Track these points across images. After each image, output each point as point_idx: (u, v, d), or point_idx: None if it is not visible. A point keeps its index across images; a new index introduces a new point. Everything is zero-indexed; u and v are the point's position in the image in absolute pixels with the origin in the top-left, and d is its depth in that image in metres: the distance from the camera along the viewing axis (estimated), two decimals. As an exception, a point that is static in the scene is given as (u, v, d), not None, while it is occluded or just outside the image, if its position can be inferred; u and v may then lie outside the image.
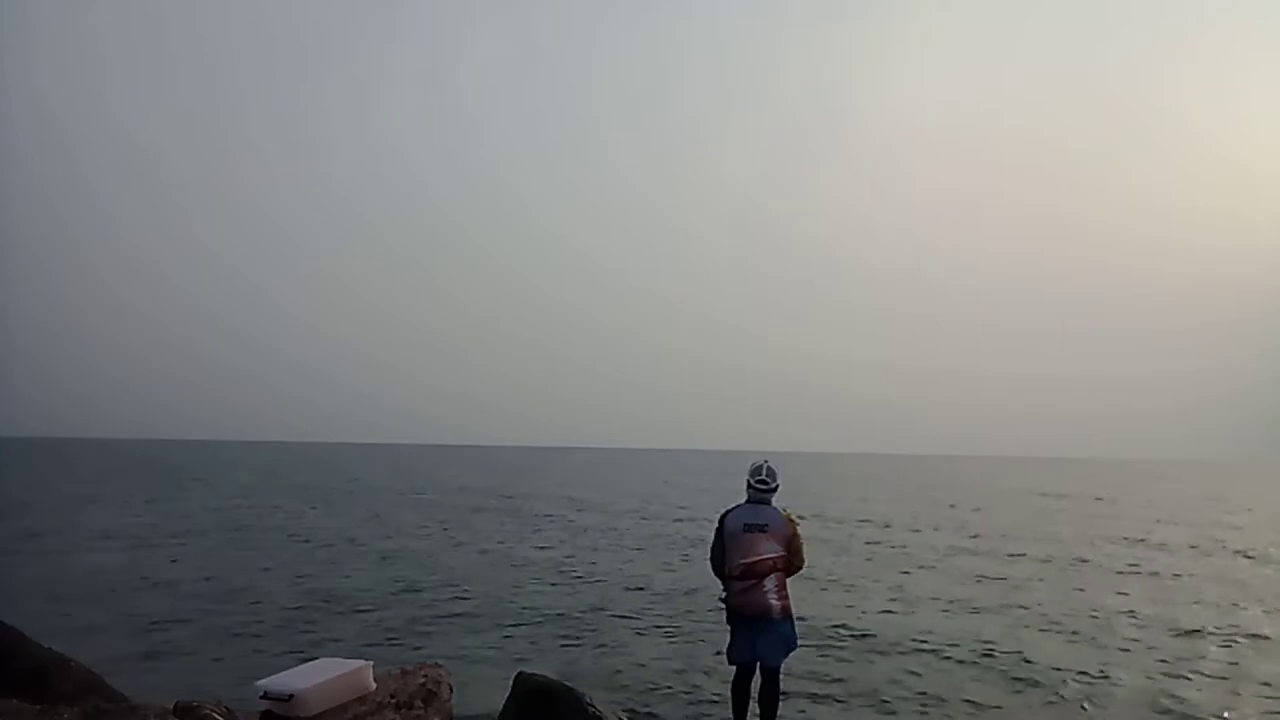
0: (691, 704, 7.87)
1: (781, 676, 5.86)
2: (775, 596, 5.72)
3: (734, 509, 6.01)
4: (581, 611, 12.09)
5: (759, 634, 5.76)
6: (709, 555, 6.17)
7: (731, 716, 6.05)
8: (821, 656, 9.45)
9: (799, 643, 6.04)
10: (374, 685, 5.28)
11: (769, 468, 6.05)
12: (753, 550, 5.77)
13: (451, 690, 5.80)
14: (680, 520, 27.48)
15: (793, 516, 6.00)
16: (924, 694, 8.21)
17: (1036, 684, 8.59)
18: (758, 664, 5.85)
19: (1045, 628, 11.37)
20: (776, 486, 6.04)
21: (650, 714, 7.54)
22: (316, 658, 5.70)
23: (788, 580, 5.85)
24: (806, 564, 6.10)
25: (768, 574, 5.72)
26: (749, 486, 6.02)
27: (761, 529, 5.81)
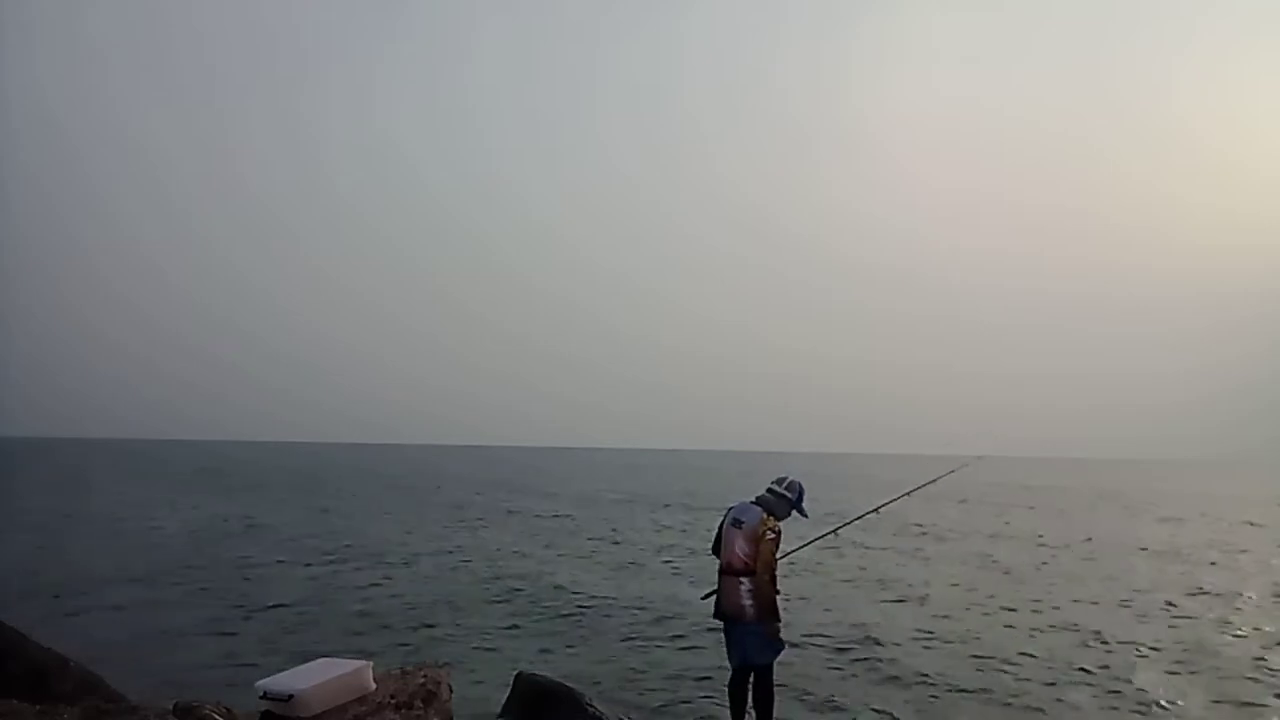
0: (692, 704, 7.82)
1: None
2: (748, 597, 5.56)
3: (735, 504, 5.98)
4: (583, 612, 12.08)
5: (739, 634, 5.71)
6: (710, 549, 6.14)
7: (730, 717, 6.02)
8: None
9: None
10: (374, 685, 5.27)
11: (792, 479, 5.95)
12: (729, 547, 5.75)
13: (451, 690, 5.78)
14: (692, 524, 27.47)
15: (769, 520, 5.62)
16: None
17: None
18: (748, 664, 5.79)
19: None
20: (779, 495, 5.84)
21: (649, 714, 7.51)
22: (317, 658, 5.68)
23: (770, 581, 5.51)
24: (778, 575, 5.60)
25: (741, 573, 5.62)
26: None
27: (739, 526, 5.74)
